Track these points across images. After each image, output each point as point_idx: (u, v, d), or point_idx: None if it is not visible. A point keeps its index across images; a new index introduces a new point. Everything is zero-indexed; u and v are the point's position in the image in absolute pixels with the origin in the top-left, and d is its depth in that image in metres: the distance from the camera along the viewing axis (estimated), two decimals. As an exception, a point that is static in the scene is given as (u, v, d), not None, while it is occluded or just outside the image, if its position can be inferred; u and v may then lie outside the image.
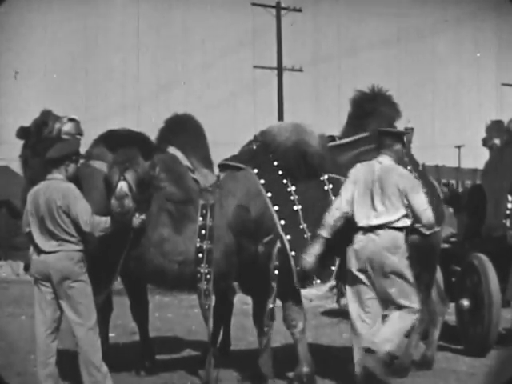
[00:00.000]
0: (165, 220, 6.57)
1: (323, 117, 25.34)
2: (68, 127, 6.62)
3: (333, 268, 6.70)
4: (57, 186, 5.98)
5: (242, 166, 6.92)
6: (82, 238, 5.99)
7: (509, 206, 8.10)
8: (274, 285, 6.62)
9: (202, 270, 6.58)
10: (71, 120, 6.65)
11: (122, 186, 6.19)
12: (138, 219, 6.23)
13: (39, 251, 5.97)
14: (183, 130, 7.31)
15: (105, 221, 5.97)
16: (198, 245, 6.59)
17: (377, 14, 26.99)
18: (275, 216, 6.68)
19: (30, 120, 6.69)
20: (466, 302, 8.18)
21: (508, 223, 8.00)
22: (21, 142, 6.69)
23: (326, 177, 6.92)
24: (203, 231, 6.62)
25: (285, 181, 6.82)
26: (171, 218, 6.60)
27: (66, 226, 5.92)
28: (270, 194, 6.75)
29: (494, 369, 6.86)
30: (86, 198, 6.09)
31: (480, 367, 7.38)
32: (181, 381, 6.93)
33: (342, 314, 11.77)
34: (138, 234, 6.41)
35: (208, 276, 6.58)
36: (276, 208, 6.70)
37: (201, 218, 6.65)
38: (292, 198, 6.77)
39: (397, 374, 7.11)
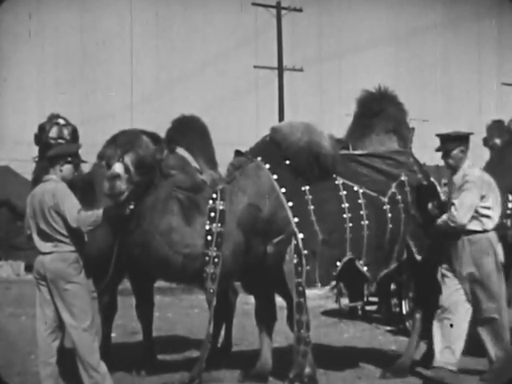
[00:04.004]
0: (174, 208, 6.43)
1: (324, 117, 25.34)
2: (52, 132, 6.61)
3: (333, 273, 6.67)
4: (48, 187, 5.98)
5: (254, 159, 6.80)
6: (77, 239, 5.95)
7: (509, 205, 8.08)
8: (298, 281, 6.47)
9: (210, 253, 6.46)
10: (56, 124, 6.64)
11: (116, 167, 6.04)
12: (127, 207, 6.06)
13: (38, 252, 5.99)
14: (190, 131, 7.27)
15: (92, 214, 5.87)
16: (207, 227, 6.49)
17: (377, 14, 27.00)
18: (289, 212, 6.55)
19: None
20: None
21: (508, 223, 7.99)
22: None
23: (341, 181, 6.85)
24: (212, 214, 6.52)
25: (298, 179, 6.70)
26: (180, 206, 6.46)
27: (59, 227, 5.91)
28: (283, 190, 6.64)
29: (495, 368, 6.86)
30: (98, 197, 6.06)
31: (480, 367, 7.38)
32: (181, 381, 6.91)
33: (342, 313, 11.81)
34: (140, 221, 6.25)
35: (216, 260, 6.46)
36: (290, 204, 6.58)
37: (211, 201, 6.54)
38: (306, 197, 6.65)
39: (397, 373, 7.13)
